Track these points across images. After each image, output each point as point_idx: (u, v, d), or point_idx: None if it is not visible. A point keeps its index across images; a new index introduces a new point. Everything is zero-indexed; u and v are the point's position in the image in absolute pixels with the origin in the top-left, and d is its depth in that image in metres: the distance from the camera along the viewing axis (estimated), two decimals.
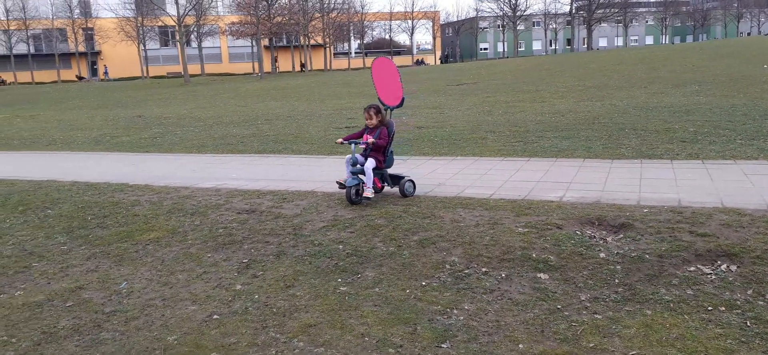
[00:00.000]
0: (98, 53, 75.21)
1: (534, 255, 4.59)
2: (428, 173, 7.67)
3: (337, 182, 6.36)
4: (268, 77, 50.58)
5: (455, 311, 3.88)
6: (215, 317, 4.00)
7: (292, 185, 7.39)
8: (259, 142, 11.63)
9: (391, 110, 6.45)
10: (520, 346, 3.39)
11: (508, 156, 8.56)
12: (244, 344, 3.59)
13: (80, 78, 69.48)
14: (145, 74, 64.46)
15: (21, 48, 68.91)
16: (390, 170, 6.48)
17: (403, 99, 6.38)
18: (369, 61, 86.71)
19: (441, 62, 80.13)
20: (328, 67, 71.59)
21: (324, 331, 3.72)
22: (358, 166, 6.21)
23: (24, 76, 67.80)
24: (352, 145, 6.36)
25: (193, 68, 58.10)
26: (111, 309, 4.18)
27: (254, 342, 3.61)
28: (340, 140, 6.55)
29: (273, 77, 50.70)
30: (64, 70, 71.40)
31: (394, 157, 6.64)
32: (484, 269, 4.48)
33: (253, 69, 68.98)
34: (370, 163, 6.17)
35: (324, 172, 8.19)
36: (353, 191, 6.08)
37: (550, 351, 3.31)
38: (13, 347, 3.69)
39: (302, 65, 71.24)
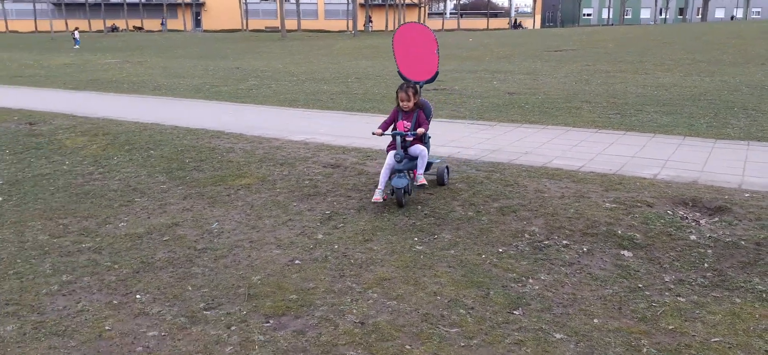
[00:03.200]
0: (202, 4, 78.60)
1: (619, 232, 4.42)
2: (515, 141, 7.50)
3: (373, 201, 5.13)
4: (361, 35, 50.90)
5: (530, 280, 3.84)
6: (297, 262, 4.19)
7: (377, 143, 7.48)
8: (348, 100, 11.81)
9: (421, 86, 5.58)
10: (595, 320, 3.31)
11: (602, 128, 8.20)
12: (322, 290, 3.75)
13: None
14: (244, 27, 66.76)
15: None
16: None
17: (437, 72, 5.56)
18: (464, 22, 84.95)
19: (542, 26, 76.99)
20: None
21: (398, 285, 3.80)
22: (403, 162, 5.18)
23: (134, 23, 72.29)
24: (398, 138, 5.19)
25: (290, 23, 59.42)
26: (202, 246, 4.48)
27: (331, 289, 3.76)
28: (377, 131, 5.40)
29: (366, 35, 50.96)
30: (171, 19, 75.30)
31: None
32: (564, 242, 4.37)
33: (347, 27, 69.57)
34: (421, 148, 5.31)
35: None
36: (403, 191, 5.08)
37: (626, 328, 3.21)
38: (116, 272, 4.06)
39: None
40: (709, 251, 4.09)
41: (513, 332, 3.23)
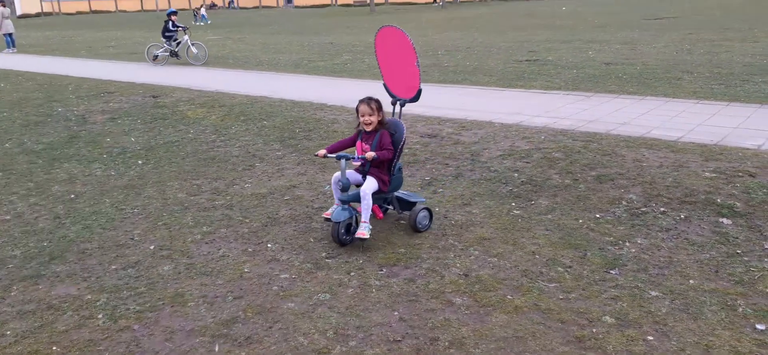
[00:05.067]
0: None
1: (718, 200, 4.48)
2: (613, 112, 7.51)
3: (324, 217, 4.45)
4: (450, 7, 50.46)
5: (627, 244, 4.03)
6: (402, 221, 4.59)
7: (471, 114, 7.73)
8: (440, 73, 12.05)
9: (402, 105, 4.52)
10: (691, 282, 3.48)
11: (704, 99, 7.99)
12: (427, 246, 4.13)
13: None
14: (334, 2, 67.93)
15: None
16: (398, 192, 4.52)
17: (419, 90, 4.43)
18: None
19: None
20: None
21: (497, 245, 4.11)
22: (350, 191, 4.21)
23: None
24: (341, 161, 4.13)
25: None
26: (318, 205, 4.99)
27: (436, 245, 4.13)
28: (321, 153, 4.28)
29: (454, 7, 50.46)
30: None
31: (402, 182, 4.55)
32: (662, 209, 4.49)
33: None
34: (370, 185, 4.15)
35: (502, 105, 8.38)
36: (343, 227, 4.11)
37: (722, 290, 3.36)
38: (247, 225, 4.64)
39: None
40: None
41: (609, 289, 3.47)
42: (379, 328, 3.15)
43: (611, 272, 3.67)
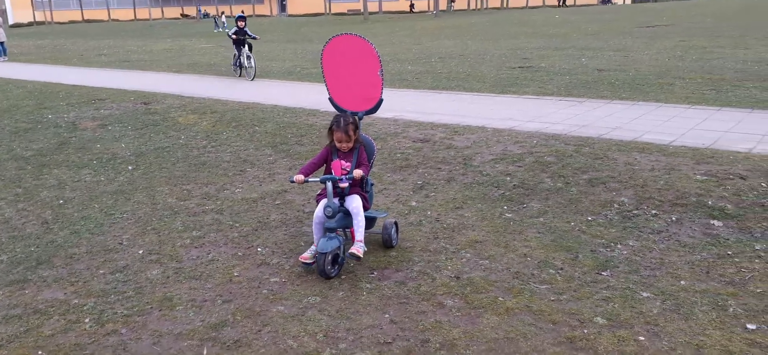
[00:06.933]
0: None
1: (709, 202, 4.48)
2: (604, 116, 7.53)
3: (301, 261, 3.86)
4: (443, 15, 50.67)
5: (619, 246, 4.02)
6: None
7: (463, 119, 7.73)
8: (433, 79, 12.07)
9: (359, 119, 4.08)
10: (682, 282, 3.47)
11: (696, 104, 8.03)
12: (419, 249, 4.11)
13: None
14: (327, 10, 68.09)
15: None
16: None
17: (380, 100, 4.09)
18: None
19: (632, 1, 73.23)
20: (505, 5, 69.48)
21: (489, 247, 4.09)
22: (337, 217, 3.81)
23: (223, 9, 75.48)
24: (328, 184, 3.80)
25: (372, 6, 60.01)
26: (309, 210, 4.96)
27: (427, 248, 4.11)
28: (298, 179, 3.84)
29: (448, 15, 50.69)
30: (258, 4, 78.06)
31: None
32: (653, 211, 4.49)
33: (429, 6, 69.30)
34: (358, 200, 3.90)
35: (494, 110, 8.39)
36: (330, 259, 3.71)
37: (713, 290, 3.35)
38: (237, 230, 4.61)
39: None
40: None
41: (601, 290, 3.45)
42: (370, 330, 3.12)
43: (603, 273, 3.66)
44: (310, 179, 3.86)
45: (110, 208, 5.22)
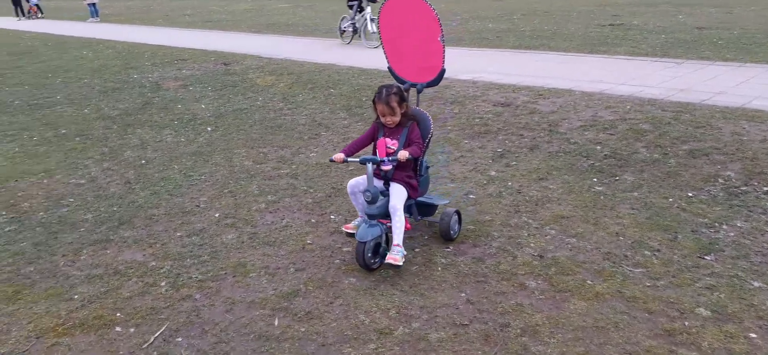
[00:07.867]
0: None
1: None
2: (706, 80, 6.86)
3: (344, 230, 3.61)
4: None
5: (725, 227, 3.61)
6: (471, 196, 4.34)
7: (549, 82, 7.28)
8: (516, 38, 11.51)
9: (419, 91, 3.72)
10: None
11: None
12: (498, 223, 3.86)
13: None
14: None
15: None
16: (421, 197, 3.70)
17: (442, 71, 3.64)
18: None
19: None
20: None
21: (576, 224, 3.79)
22: (379, 202, 3.34)
23: None
24: (368, 166, 3.34)
25: None
26: None
27: (507, 223, 3.86)
28: (339, 157, 3.39)
29: None
30: None
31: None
32: (765, 188, 4.01)
33: None
34: (399, 195, 3.38)
35: (583, 72, 7.86)
36: (370, 249, 3.31)
37: None
38: (311, 195, 4.53)
39: None
40: None
41: (704, 277, 3.10)
42: (445, 310, 2.94)
43: (706, 257, 3.29)
44: (350, 159, 3.40)
45: (189, 169, 5.29)
